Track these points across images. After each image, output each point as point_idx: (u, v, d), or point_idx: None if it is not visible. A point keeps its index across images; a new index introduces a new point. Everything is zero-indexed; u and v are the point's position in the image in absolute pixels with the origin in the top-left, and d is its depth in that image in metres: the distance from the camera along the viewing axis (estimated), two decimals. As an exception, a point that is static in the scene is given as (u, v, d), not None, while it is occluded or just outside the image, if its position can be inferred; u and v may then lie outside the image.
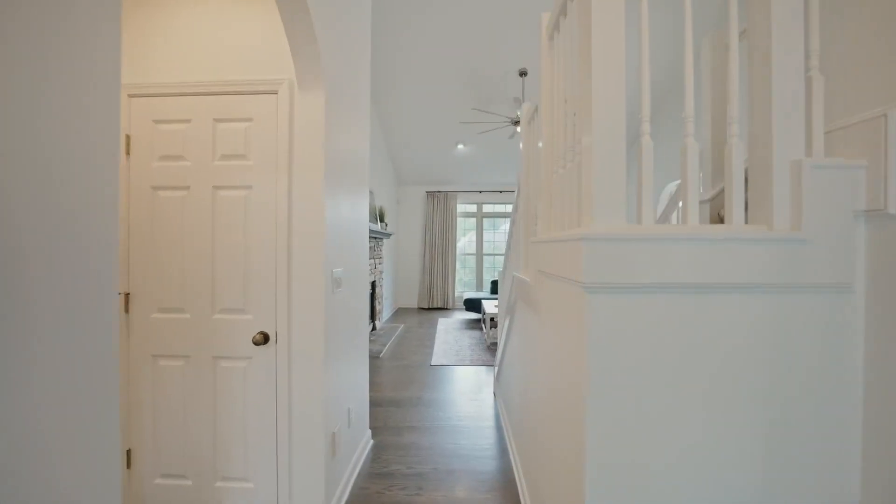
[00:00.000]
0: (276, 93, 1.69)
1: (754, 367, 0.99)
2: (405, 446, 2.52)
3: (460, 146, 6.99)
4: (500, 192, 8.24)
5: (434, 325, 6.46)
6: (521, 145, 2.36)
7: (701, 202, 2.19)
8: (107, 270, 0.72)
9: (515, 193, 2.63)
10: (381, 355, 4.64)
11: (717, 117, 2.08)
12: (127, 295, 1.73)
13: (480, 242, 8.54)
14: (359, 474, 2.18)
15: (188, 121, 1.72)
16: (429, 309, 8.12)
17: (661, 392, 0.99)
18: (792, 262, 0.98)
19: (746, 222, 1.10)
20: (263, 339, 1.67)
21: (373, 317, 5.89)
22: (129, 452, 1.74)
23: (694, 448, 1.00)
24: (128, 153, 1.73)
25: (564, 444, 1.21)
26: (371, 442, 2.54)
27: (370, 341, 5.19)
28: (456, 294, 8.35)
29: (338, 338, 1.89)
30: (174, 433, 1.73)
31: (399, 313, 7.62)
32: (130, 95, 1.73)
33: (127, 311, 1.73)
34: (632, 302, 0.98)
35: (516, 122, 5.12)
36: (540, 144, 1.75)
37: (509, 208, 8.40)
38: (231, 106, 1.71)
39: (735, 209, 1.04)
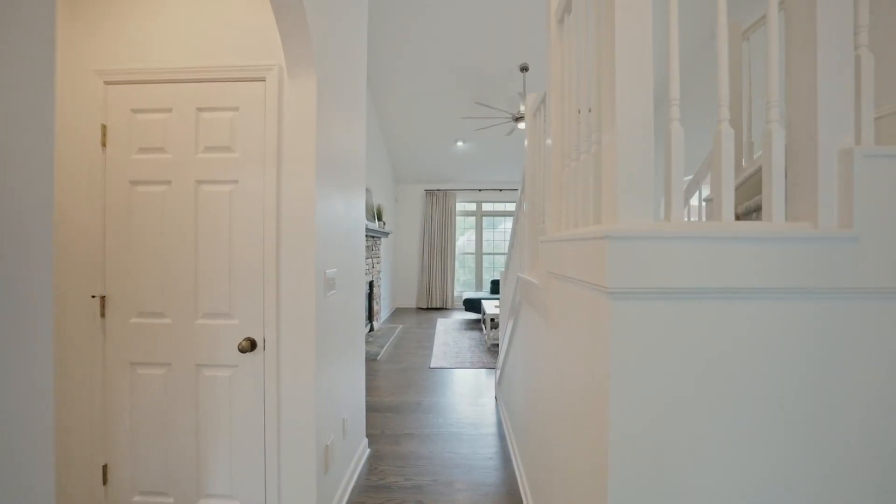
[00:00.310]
0: (264, 80, 1.57)
1: (802, 379, 0.88)
2: (403, 456, 2.40)
3: (460, 143, 6.87)
4: (501, 190, 8.12)
5: (433, 326, 6.34)
6: (525, 141, 2.24)
7: (708, 200, 2.09)
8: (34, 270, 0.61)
9: (519, 190, 2.51)
10: (379, 357, 4.52)
11: (734, 107, 1.97)
12: (103, 298, 1.60)
13: (480, 241, 8.42)
14: (354, 488, 2.06)
15: (169, 110, 1.59)
16: (427, 309, 8.00)
17: (695, 410, 0.88)
18: (842, 264, 0.87)
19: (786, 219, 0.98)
20: (250, 345, 1.55)
21: (370, 317, 5.77)
22: (105, 468, 1.61)
23: (736, 472, 0.88)
24: (104, 145, 1.60)
25: (578, 460, 1.09)
26: (367, 451, 2.42)
27: (367, 343, 5.06)
28: (455, 294, 8.23)
29: (332, 343, 1.77)
30: (154, 447, 1.61)
31: (397, 313, 7.50)
32: (107, 83, 1.60)
33: (103, 315, 1.60)
34: (662, 309, 0.86)
35: (517, 119, 5.00)
36: (549, 142, 1.63)
37: (510, 207, 8.28)
38: (216, 94, 1.59)
39: (775, 204, 0.92)
